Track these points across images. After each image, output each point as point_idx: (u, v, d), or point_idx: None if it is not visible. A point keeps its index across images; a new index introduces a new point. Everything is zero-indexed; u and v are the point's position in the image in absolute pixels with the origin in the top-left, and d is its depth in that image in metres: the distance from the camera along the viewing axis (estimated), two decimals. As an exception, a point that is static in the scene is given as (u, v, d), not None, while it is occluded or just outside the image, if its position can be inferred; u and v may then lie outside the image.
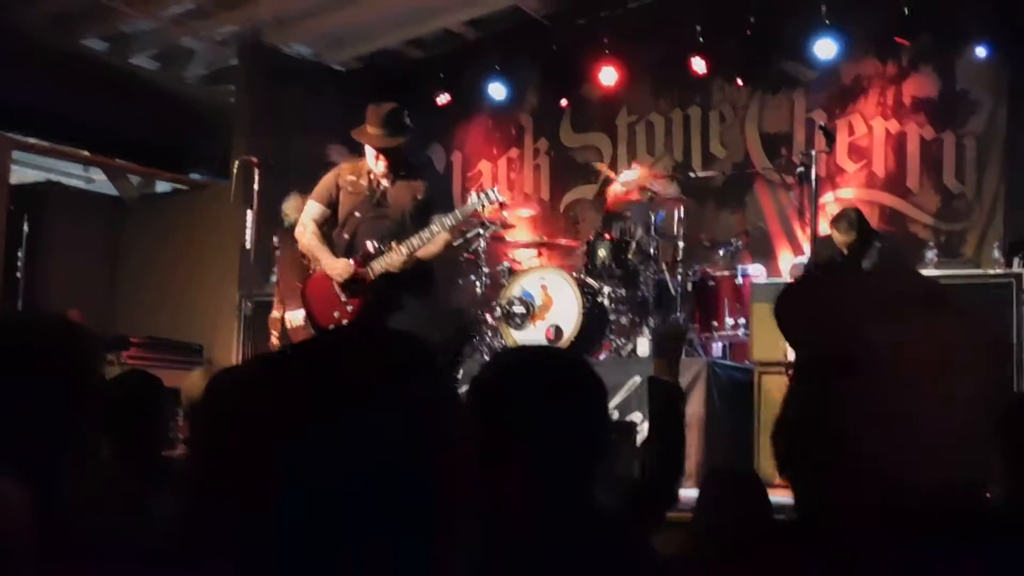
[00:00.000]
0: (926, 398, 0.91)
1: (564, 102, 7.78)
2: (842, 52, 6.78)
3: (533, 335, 5.62)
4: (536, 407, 1.44)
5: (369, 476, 0.74)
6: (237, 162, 5.95)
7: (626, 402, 5.04)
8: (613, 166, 7.70)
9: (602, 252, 6.02)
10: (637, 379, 5.06)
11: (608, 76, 7.36)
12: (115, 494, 2.04)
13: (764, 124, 7.28)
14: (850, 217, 5.63)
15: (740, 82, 7.26)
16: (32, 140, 7.71)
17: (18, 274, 7.50)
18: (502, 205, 5.12)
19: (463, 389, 1.51)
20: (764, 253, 6.96)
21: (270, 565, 0.74)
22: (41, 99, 7.22)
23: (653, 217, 6.14)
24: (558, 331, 5.64)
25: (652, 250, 6.08)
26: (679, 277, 6.00)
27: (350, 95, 7.52)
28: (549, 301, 5.72)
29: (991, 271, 5.49)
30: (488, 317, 6.01)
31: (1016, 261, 5.46)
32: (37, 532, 1.17)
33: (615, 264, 5.97)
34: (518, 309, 5.72)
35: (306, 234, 4.56)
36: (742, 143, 7.35)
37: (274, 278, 6.33)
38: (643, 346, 5.77)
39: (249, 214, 5.98)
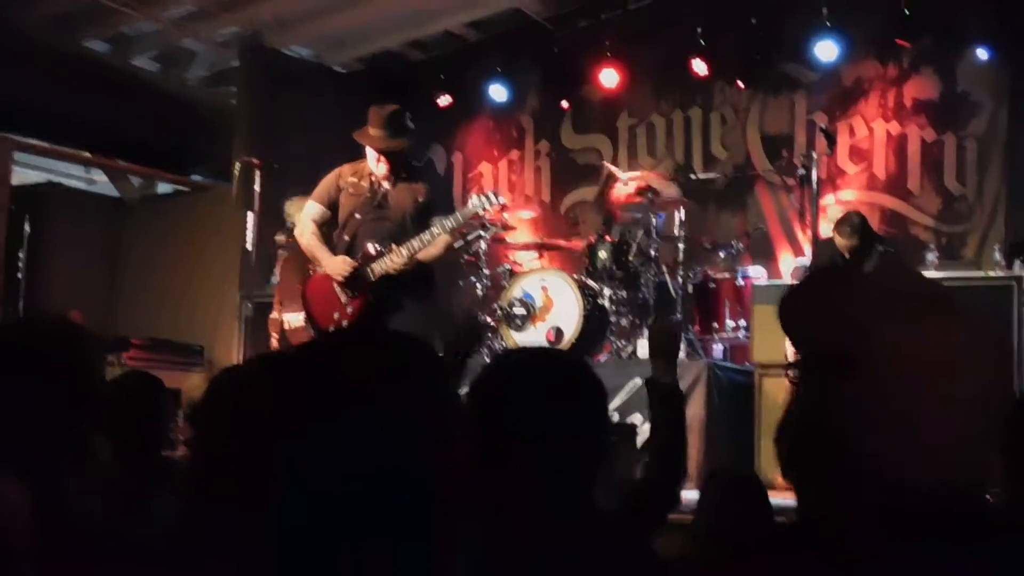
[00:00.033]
0: (928, 399, 0.91)
1: (565, 104, 7.78)
2: (843, 54, 6.78)
3: (534, 337, 5.62)
4: (536, 409, 1.44)
5: (369, 477, 0.74)
6: (238, 163, 5.95)
7: (627, 404, 5.03)
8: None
9: (603, 254, 6.02)
10: (638, 381, 5.05)
11: (609, 78, 7.36)
12: (115, 494, 2.04)
13: (765, 126, 7.28)
14: (853, 222, 5.58)
15: (741, 84, 7.26)
16: (33, 141, 7.72)
17: (19, 275, 7.51)
18: (503, 207, 5.12)
19: (463, 390, 1.51)
20: (765, 255, 6.96)
21: (270, 565, 0.74)
22: (42, 100, 7.23)
23: (654, 219, 6.14)
24: (559, 333, 5.64)
25: (653, 252, 6.08)
26: (680, 279, 6.00)
27: (351, 96, 7.52)
28: (550, 303, 5.71)
29: (992, 273, 5.48)
30: (489, 319, 6.01)
31: (1017, 263, 5.45)
32: (38, 532, 1.17)
33: (616, 266, 5.97)
34: (519, 311, 5.72)
35: (305, 234, 4.56)
36: (743, 145, 7.34)
37: (275, 279, 6.33)
38: (644, 348, 5.76)
39: (250, 215, 5.99)
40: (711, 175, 7.15)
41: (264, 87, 7.56)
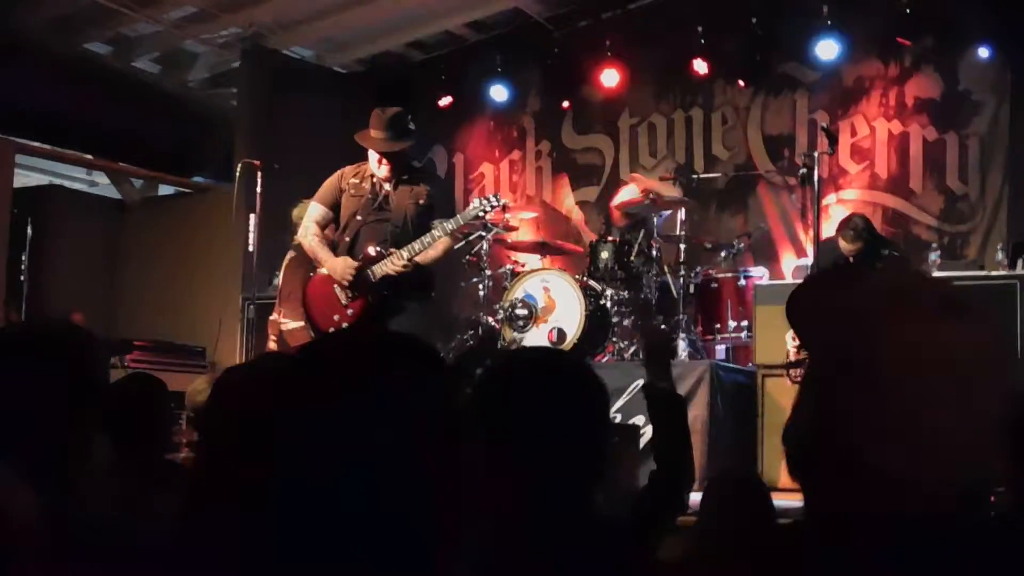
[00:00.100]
0: (934, 400, 0.91)
1: (566, 104, 7.78)
2: (844, 53, 6.77)
3: (536, 338, 5.62)
4: (537, 410, 1.44)
5: (369, 477, 0.74)
6: (240, 165, 5.95)
7: (629, 405, 5.03)
8: (615, 168, 7.71)
9: (604, 255, 6.02)
10: (640, 382, 5.04)
11: (610, 78, 7.35)
12: (118, 496, 2.04)
13: (766, 126, 7.28)
14: (856, 225, 5.53)
15: (742, 83, 7.25)
16: (35, 143, 7.72)
17: (21, 277, 7.52)
18: (505, 208, 5.13)
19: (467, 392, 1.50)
20: (766, 255, 6.95)
21: (270, 566, 0.74)
22: (44, 102, 7.24)
23: (655, 220, 6.14)
24: (561, 334, 5.64)
25: (654, 252, 6.08)
26: (681, 279, 5.99)
27: (352, 97, 7.53)
28: (552, 304, 5.71)
29: (994, 273, 5.47)
30: (491, 320, 6.01)
31: (1020, 263, 5.44)
32: (40, 532, 1.18)
33: (618, 266, 5.97)
34: (521, 312, 5.72)
35: (307, 235, 4.58)
36: (744, 145, 7.34)
37: (277, 280, 6.33)
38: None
39: (252, 217, 5.99)
40: (712, 175, 7.15)
41: (265, 88, 7.57)
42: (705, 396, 5.25)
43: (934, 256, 5.93)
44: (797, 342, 4.75)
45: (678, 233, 6.22)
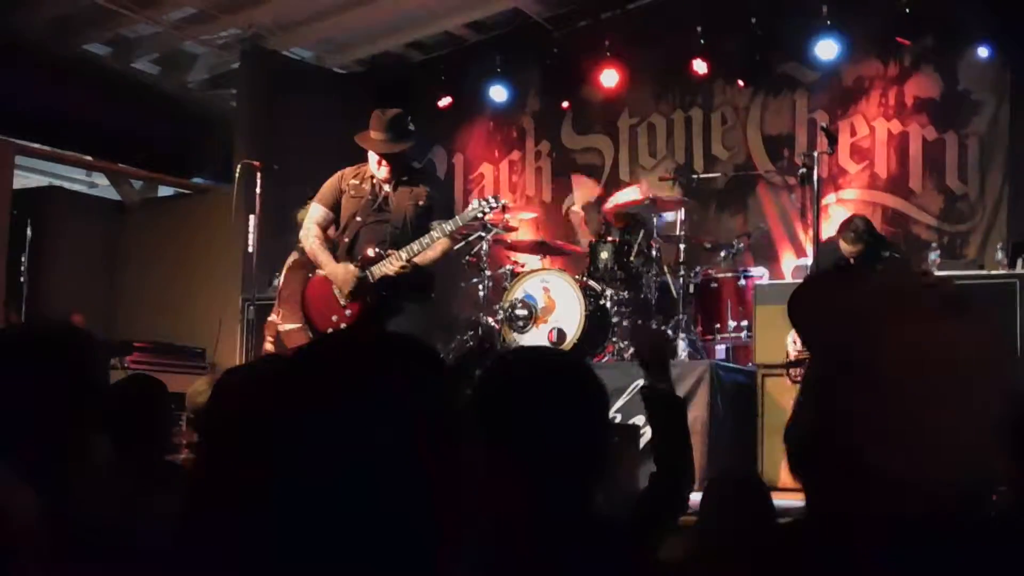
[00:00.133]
0: (937, 401, 0.91)
1: (565, 104, 7.78)
2: (843, 53, 6.77)
3: (536, 338, 5.62)
4: (537, 411, 1.44)
5: (370, 478, 0.74)
6: (239, 166, 5.95)
7: (629, 405, 5.03)
8: (615, 168, 7.71)
9: (604, 255, 6.02)
10: (640, 382, 5.04)
11: (609, 78, 7.35)
12: (117, 497, 2.04)
13: (766, 126, 7.28)
14: (857, 227, 5.50)
15: (741, 83, 7.25)
16: (35, 145, 7.72)
17: (21, 278, 7.52)
18: (504, 208, 5.13)
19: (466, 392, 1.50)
20: (766, 255, 6.95)
21: (270, 566, 0.74)
22: (43, 104, 7.24)
23: (655, 220, 6.14)
24: (561, 334, 5.64)
25: (654, 252, 6.08)
26: (681, 279, 5.99)
27: (352, 98, 7.53)
28: (552, 304, 5.71)
29: (994, 272, 5.47)
30: (491, 320, 6.01)
31: (1020, 262, 5.43)
32: (40, 533, 1.18)
33: (617, 267, 5.97)
34: (521, 312, 5.72)
35: (309, 238, 4.58)
36: (744, 145, 7.34)
37: (276, 282, 6.33)
38: (645, 348, 5.75)
39: (251, 218, 5.99)
40: (712, 175, 7.15)
41: (264, 89, 7.57)
42: (705, 396, 5.25)
43: (934, 256, 5.93)
44: (798, 342, 4.76)
45: (678, 233, 6.22)
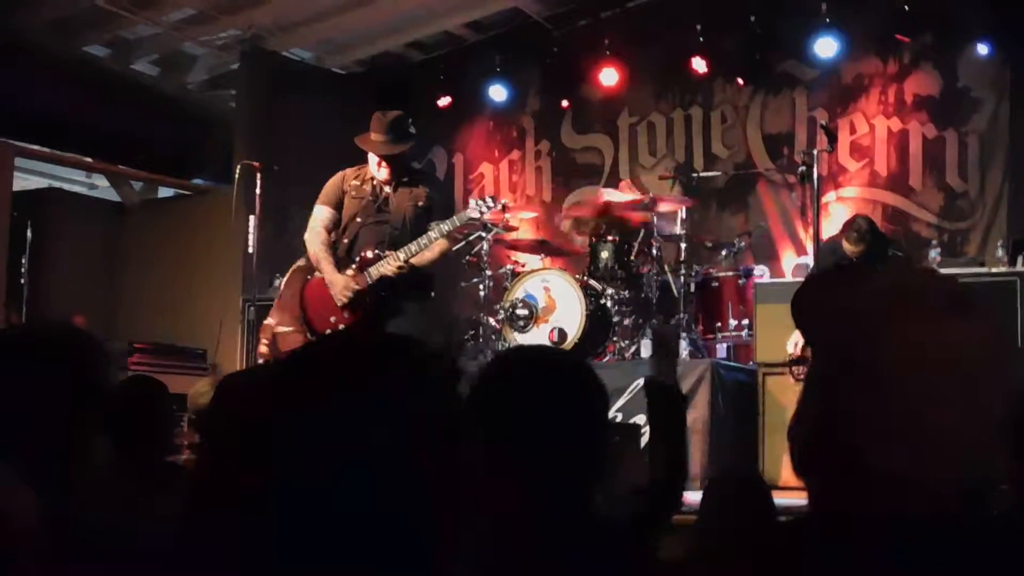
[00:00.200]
0: (939, 400, 0.91)
1: (565, 103, 7.78)
2: (843, 51, 6.77)
3: (536, 338, 5.62)
4: (536, 410, 1.43)
5: (370, 479, 0.74)
6: (239, 166, 5.95)
7: (630, 404, 5.03)
8: (615, 167, 7.70)
9: (605, 254, 6.02)
10: (641, 381, 5.05)
11: (609, 77, 7.35)
12: (119, 498, 2.04)
13: (765, 124, 7.28)
14: (860, 227, 5.46)
15: (741, 82, 7.25)
16: (34, 147, 7.73)
17: (22, 280, 7.52)
18: (505, 208, 5.13)
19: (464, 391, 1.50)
20: (767, 254, 6.95)
21: (271, 567, 0.74)
22: (43, 105, 7.24)
23: (654, 219, 6.14)
24: (561, 334, 5.64)
25: (655, 252, 6.08)
26: (682, 278, 5.99)
27: (351, 98, 7.54)
28: (552, 304, 5.71)
29: (995, 270, 5.47)
30: (491, 320, 6.01)
31: (1020, 259, 5.43)
32: (41, 534, 1.18)
33: (618, 266, 5.97)
34: (521, 312, 5.71)
35: (315, 243, 4.58)
36: (744, 143, 7.34)
37: (277, 283, 6.33)
38: (647, 348, 5.76)
39: (251, 218, 5.99)
40: (712, 174, 7.15)
41: (264, 90, 7.57)
42: (706, 395, 5.25)
43: (934, 253, 5.93)
44: (801, 340, 4.76)
45: (678, 232, 6.22)
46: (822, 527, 0.96)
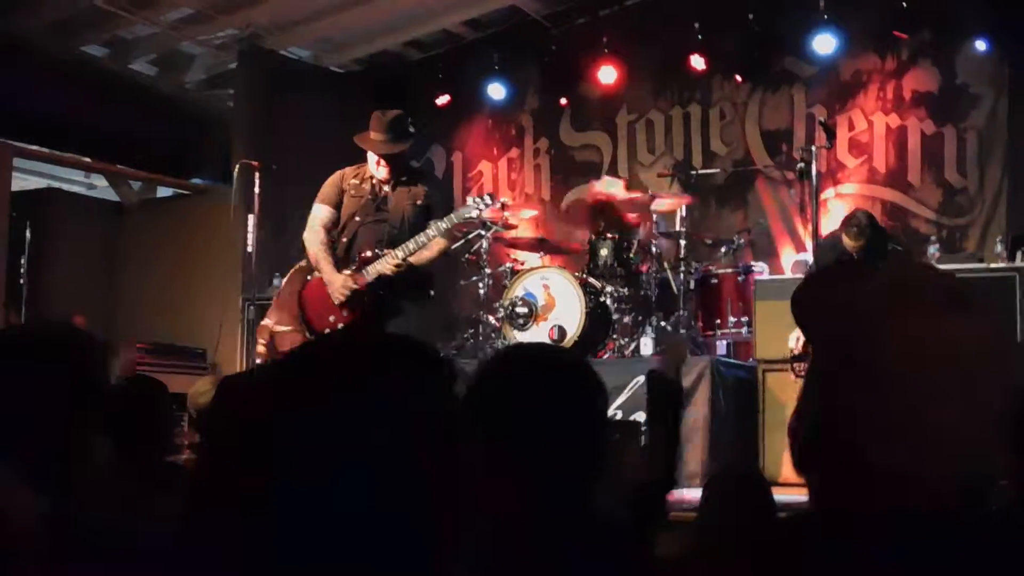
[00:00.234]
0: (939, 396, 0.91)
1: (564, 101, 7.78)
2: (841, 47, 6.77)
3: (536, 336, 5.62)
4: (535, 409, 1.43)
5: (370, 479, 0.74)
6: (238, 166, 5.95)
7: (630, 402, 5.03)
8: (614, 165, 7.70)
9: (604, 251, 6.02)
10: (641, 379, 5.05)
11: (607, 75, 7.35)
12: (119, 498, 2.04)
13: (764, 121, 7.28)
14: (860, 222, 5.44)
15: (739, 79, 7.25)
16: (33, 147, 7.72)
17: (21, 280, 7.52)
18: (504, 206, 5.13)
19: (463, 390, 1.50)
20: (766, 250, 6.96)
21: (271, 568, 0.74)
22: (41, 106, 7.24)
23: (654, 216, 6.14)
24: (561, 331, 5.64)
25: (654, 249, 6.08)
26: (681, 275, 5.99)
27: (350, 97, 7.53)
28: (552, 301, 5.71)
29: (994, 265, 5.47)
30: (491, 318, 6.01)
31: (1019, 255, 5.43)
32: (41, 534, 1.18)
33: (617, 263, 5.97)
34: (521, 310, 5.72)
35: (315, 243, 4.58)
36: (742, 140, 7.34)
37: (277, 282, 6.33)
38: (646, 346, 5.76)
39: (250, 217, 5.99)
40: (711, 171, 7.15)
41: (262, 89, 7.56)
42: (706, 392, 5.25)
43: (933, 249, 5.93)
44: (800, 340, 4.75)
45: (678, 229, 6.23)
46: (822, 523, 0.96)
